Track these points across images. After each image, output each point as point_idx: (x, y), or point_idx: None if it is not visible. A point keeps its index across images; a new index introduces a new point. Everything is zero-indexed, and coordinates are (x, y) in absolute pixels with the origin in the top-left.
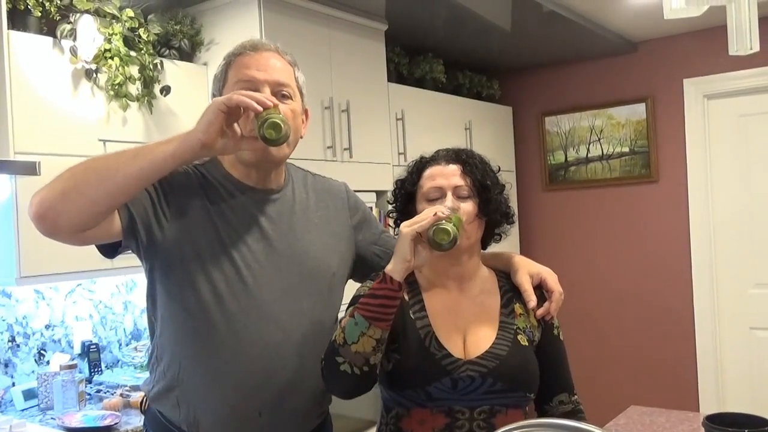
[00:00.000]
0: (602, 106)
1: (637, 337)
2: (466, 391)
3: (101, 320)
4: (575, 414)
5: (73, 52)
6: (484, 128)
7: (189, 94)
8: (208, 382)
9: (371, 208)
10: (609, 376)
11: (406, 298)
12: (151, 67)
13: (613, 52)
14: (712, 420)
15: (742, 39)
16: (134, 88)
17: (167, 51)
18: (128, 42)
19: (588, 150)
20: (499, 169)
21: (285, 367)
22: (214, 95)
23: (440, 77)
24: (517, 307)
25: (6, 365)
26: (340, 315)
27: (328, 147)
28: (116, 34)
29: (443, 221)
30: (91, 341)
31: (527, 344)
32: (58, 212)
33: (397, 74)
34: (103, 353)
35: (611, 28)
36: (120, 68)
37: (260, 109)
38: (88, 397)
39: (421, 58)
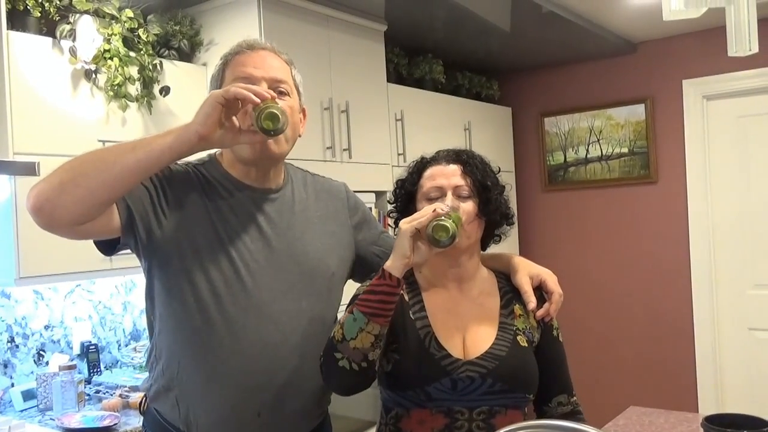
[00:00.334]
0: (601, 106)
1: (636, 338)
2: (466, 391)
3: (100, 321)
4: (574, 415)
5: (73, 52)
6: (483, 129)
7: (188, 94)
8: (206, 381)
9: (370, 208)
10: (608, 377)
11: (406, 298)
12: (151, 67)
13: (612, 53)
14: (711, 421)
15: (742, 40)
16: (133, 89)
17: (166, 51)
18: (128, 42)
19: (587, 151)
20: (499, 170)
21: (284, 367)
22: None
23: (439, 78)
24: (517, 308)
25: (5, 366)
26: (340, 315)
27: (328, 147)
28: (116, 35)
29: (442, 218)
30: (90, 342)
31: (527, 345)
32: (55, 204)
33: (397, 75)
34: (102, 354)
35: (610, 28)
36: (119, 69)
37: (258, 101)
38: (87, 397)
39: (420, 58)
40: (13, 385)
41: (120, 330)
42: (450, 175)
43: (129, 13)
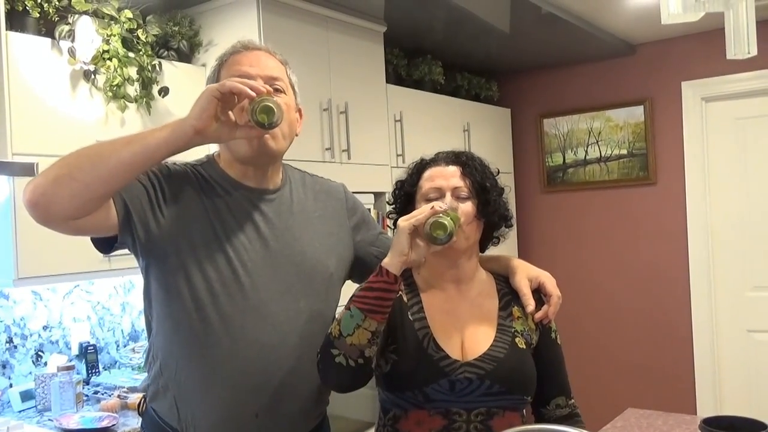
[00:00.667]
0: (600, 108)
1: (634, 340)
2: (464, 392)
3: (99, 321)
4: (572, 417)
5: (72, 53)
6: (482, 130)
7: (187, 95)
8: (203, 382)
9: (369, 209)
10: (607, 379)
11: (405, 299)
12: (150, 68)
13: (611, 55)
14: (709, 423)
15: (740, 43)
16: (132, 90)
17: (166, 52)
18: (127, 43)
19: (586, 152)
20: (498, 172)
21: (282, 368)
22: None
23: (439, 79)
24: (515, 310)
25: (3, 366)
26: (338, 316)
27: (327, 148)
28: (115, 36)
29: (440, 215)
30: (88, 342)
31: (525, 347)
32: (51, 198)
33: (396, 76)
34: (101, 354)
35: (609, 30)
36: (118, 69)
37: (253, 95)
38: (85, 398)
39: (419, 59)
40: (11, 385)
41: (118, 331)
42: (449, 176)
43: (128, 13)
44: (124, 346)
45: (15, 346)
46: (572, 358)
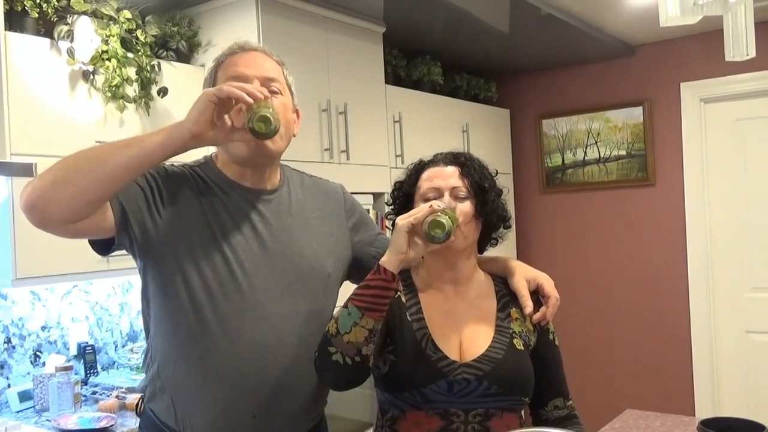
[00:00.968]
0: (599, 109)
1: (633, 340)
2: (462, 393)
3: (97, 322)
4: (570, 419)
5: (71, 53)
6: (481, 130)
7: (186, 95)
8: (201, 383)
9: (368, 210)
10: (605, 380)
11: (403, 299)
12: (149, 68)
13: (610, 56)
14: (707, 425)
15: (739, 45)
16: (131, 90)
17: (165, 52)
18: (125, 43)
19: (585, 153)
20: (497, 173)
21: (279, 369)
22: None
23: (438, 79)
24: (513, 312)
25: (1, 366)
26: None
27: (326, 149)
28: (113, 36)
29: (438, 213)
30: (87, 343)
31: (523, 348)
32: (48, 201)
33: (395, 76)
34: (99, 355)
35: (609, 31)
36: (117, 70)
37: (250, 101)
38: (83, 398)
39: (418, 60)
40: (9, 386)
41: (117, 331)
42: (448, 176)
43: (127, 14)
44: (123, 347)
45: (13, 347)
46: (570, 359)
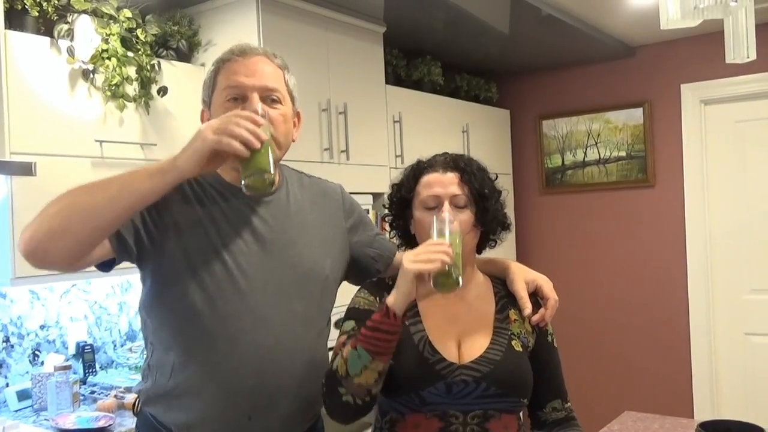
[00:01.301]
0: (599, 110)
1: (632, 342)
2: (460, 395)
3: (96, 321)
4: (568, 421)
5: (71, 52)
6: (481, 131)
7: (186, 95)
8: (199, 385)
9: (368, 210)
10: (604, 382)
11: None
12: (149, 67)
13: (610, 57)
14: (706, 427)
15: (740, 47)
16: (131, 89)
17: (165, 52)
18: (126, 42)
19: (585, 154)
20: (497, 177)
21: (276, 370)
22: (204, 101)
23: (438, 80)
24: (512, 313)
25: (0, 366)
26: (333, 318)
27: (325, 149)
28: (114, 35)
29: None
30: (85, 342)
31: (521, 350)
32: (46, 250)
33: (395, 76)
34: (98, 354)
35: (609, 32)
36: (117, 69)
37: (248, 154)
38: (82, 398)
39: (419, 60)
40: (8, 385)
41: (116, 330)
42: (447, 183)
43: (127, 13)
44: (121, 346)
45: (12, 346)
46: (569, 361)
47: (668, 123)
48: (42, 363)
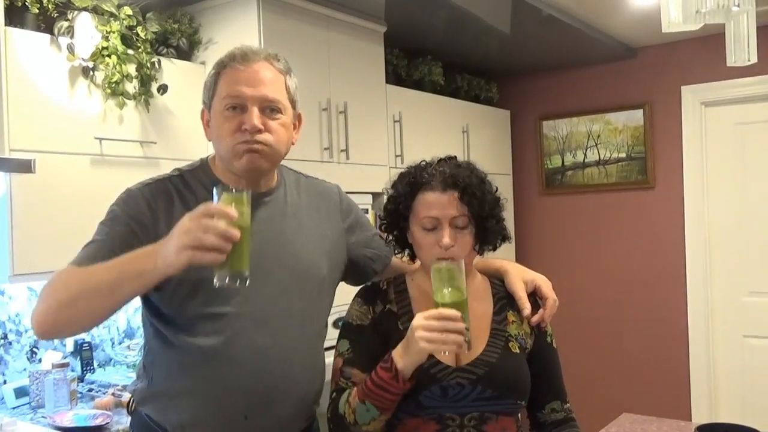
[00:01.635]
0: (600, 111)
1: (630, 344)
2: (456, 398)
3: None
4: (567, 422)
5: (71, 49)
6: (481, 131)
7: (186, 93)
8: (196, 385)
9: (368, 210)
10: (602, 383)
11: (395, 309)
12: (149, 65)
13: (611, 58)
14: (703, 430)
15: (741, 50)
16: (131, 87)
17: (165, 49)
18: (126, 40)
19: (585, 155)
20: (497, 190)
21: (273, 370)
22: (204, 102)
23: (438, 80)
24: (510, 314)
25: None
26: (330, 319)
27: (325, 148)
28: (114, 32)
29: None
30: (83, 339)
31: (518, 351)
32: (59, 332)
33: (395, 76)
34: (96, 352)
35: (610, 33)
36: (117, 66)
37: (223, 259)
38: (79, 395)
39: (419, 60)
40: (5, 382)
41: (114, 328)
42: (446, 205)
43: (128, 10)
44: (119, 344)
45: (10, 343)
46: (568, 362)
47: (668, 125)
48: (40, 360)
